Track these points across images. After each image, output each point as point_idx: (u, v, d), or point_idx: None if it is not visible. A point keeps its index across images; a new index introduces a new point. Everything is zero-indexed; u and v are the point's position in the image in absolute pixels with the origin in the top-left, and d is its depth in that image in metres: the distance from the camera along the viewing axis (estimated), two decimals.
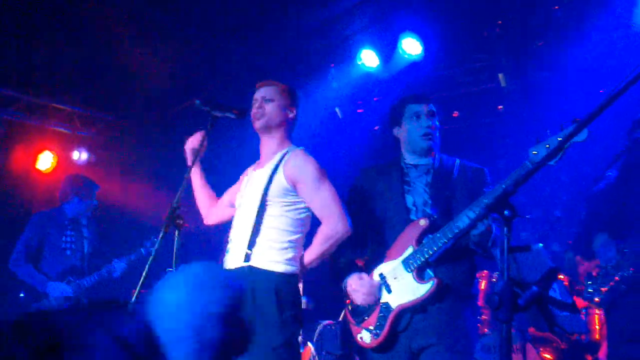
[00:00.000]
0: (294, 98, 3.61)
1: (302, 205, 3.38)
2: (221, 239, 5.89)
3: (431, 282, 3.16)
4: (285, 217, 3.33)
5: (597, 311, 4.92)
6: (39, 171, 7.51)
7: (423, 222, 3.25)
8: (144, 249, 5.88)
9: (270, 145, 3.52)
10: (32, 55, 6.62)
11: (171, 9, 6.19)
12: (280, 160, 3.41)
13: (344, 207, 3.37)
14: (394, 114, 3.60)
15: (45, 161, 7.52)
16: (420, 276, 3.19)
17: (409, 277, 3.21)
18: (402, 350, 3.23)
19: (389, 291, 3.26)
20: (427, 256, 3.16)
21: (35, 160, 7.48)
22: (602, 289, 3.73)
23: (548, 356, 5.03)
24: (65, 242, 5.79)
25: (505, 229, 2.05)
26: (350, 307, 3.41)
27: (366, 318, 3.30)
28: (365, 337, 3.29)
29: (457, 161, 3.54)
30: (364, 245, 3.49)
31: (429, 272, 3.20)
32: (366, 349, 3.32)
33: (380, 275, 3.31)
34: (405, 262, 3.23)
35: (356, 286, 3.31)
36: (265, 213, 3.33)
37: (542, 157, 2.74)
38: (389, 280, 3.27)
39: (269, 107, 3.49)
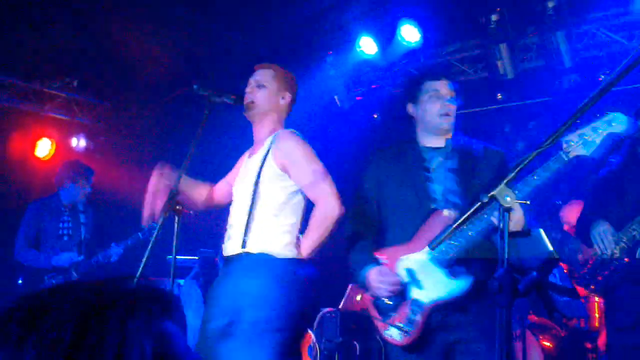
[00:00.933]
0: (288, 83, 3.55)
1: (295, 189, 3.33)
2: (219, 225, 5.90)
3: (466, 278, 2.95)
4: (279, 203, 3.28)
5: (596, 299, 4.92)
6: (37, 158, 7.49)
7: (447, 213, 3.03)
8: (141, 233, 5.83)
9: (261, 131, 3.50)
10: (29, 41, 6.58)
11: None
12: (270, 145, 3.39)
13: (336, 187, 3.26)
14: (411, 89, 3.34)
15: (44, 148, 7.51)
16: (452, 271, 2.96)
17: (440, 273, 2.99)
18: (436, 346, 3.03)
19: (420, 287, 3.03)
20: (456, 250, 2.92)
21: (33, 147, 7.46)
22: (598, 277, 3.74)
23: (547, 344, 5.04)
24: (62, 229, 5.81)
25: (505, 215, 2.07)
26: (373, 302, 3.17)
27: (393, 314, 3.08)
28: (394, 334, 3.07)
29: (479, 143, 3.33)
30: (381, 234, 3.27)
31: (461, 266, 2.96)
32: (395, 345, 3.11)
33: (408, 270, 3.08)
34: (434, 256, 2.99)
35: (378, 280, 3.08)
36: (259, 200, 3.29)
37: (582, 147, 2.57)
38: (419, 276, 3.04)
39: (259, 94, 3.47)
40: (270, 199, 3.29)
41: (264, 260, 3.21)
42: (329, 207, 3.19)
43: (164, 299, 0.96)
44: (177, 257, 3.27)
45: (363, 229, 3.29)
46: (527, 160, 2.09)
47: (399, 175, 3.23)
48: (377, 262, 3.17)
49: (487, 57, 6.73)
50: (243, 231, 3.27)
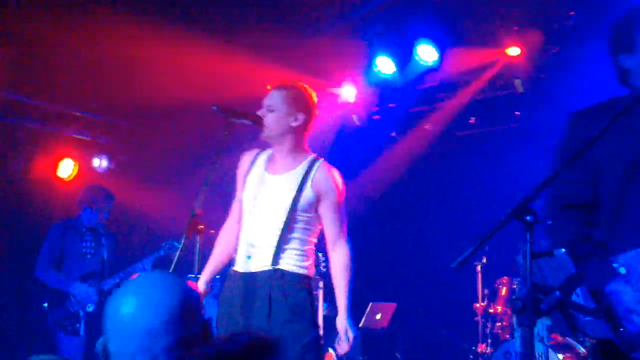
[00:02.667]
0: (301, 102, 3.55)
1: (317, 215, 3.52)
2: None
3: None
4: (307, 227, 3.47)
5: None
6: (59, 179, 7.58)
7: None
8: (162, 250, 5.97)
9: (282, 151, 3.54)
10: (51, 63, 6.70)
11: (190, 18, 6.25)
12: (308, 172, 3.44)
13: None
14: (623, 36, 2.58)
15: (66, 168, 7.60)
16: None
17: None
18: None
19: None
20: None
21: (56, 167, 7.55)
22: None
23: None
24: (85, 247, 5.94)
25: (527, 234, 2.08)
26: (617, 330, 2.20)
27: None
28: None
29: None
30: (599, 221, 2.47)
31: None
32: None
33: None
34: None
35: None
36: (293, 223, 3.41)
37: None
38: None
39: (269, 118, 3.50)
40: (301, 224, 3.42)
41: (296, 276, 3.39)
42: (348, 253, 3.58)
43: None
44: (199, 275, 3.33)
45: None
46: (550, 181, 2.11)
47: (619, 140, 2.40)
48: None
49: (505, 75, 6.74)
50: (274, 249, 3.35)
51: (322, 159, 3.53)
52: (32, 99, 7.31)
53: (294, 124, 3.51)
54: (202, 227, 3.24)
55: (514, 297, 1.98)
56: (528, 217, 2.07)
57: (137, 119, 8.15)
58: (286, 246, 3.39)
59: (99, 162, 8.04)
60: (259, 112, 3.52)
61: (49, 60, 6.65)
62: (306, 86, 3.65)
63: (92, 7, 5.99)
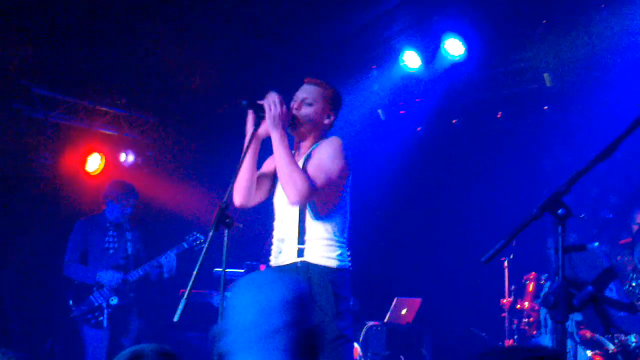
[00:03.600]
0: (334, 102, 3.57)
1: (337, 196, 3.42)
2: (264, 237, 5.94)
3: None
4: (327, 213, 3.38)
5: None
6: (87, 173, 7.66)
7: None
8: (186, 242, 6.01)
9: (303, 146, 3.55)
10: (79, 59, 6.77)
11: (215, 11, 6.27)
12: (311, 152, 3.46)
13: (326, 184, 3.32)
14: None
15: (94, 163, 7.67)
16: None
17: None
18: None
19: None
20: None
21: (84, 162, 7.63)
22: None
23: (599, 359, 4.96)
24: (108, 243, 5.99)
25: (559, 228, 2.04)
26: None
27: None
28: None
29: None
30: None
31: None
32: None
33: None
34: None
35: None
36: (306, 208, 3.38)
37: None
38: None
39: (306, 111, 3.48)
40: (320, 206, 3.37)
41: (321, 269, 3.32)
42: (299, 188, 3.24)
43: None
44: (227, 270, 3.32)
45: None
46: (582, 174, 2.07)
47: None
48: None
49: (532, 69, 6.67)
50: (297, 240, 3.35)
51: (335, 137, 3.51)
52: (60, 95, 7.39)
53: (326, 121, 3.53)
54: (230, 220, 3.23)
55: (546, 292, 1.95)
56: (560, 211, 2.04)
57: (164, 114, 8.20)
58: (309, 236, 3.35)
59: (126, 157, 8.10)
60: (294, 104, 3.51)
61: (77, 56, 6.72)
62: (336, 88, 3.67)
63: (120, 3, 6.04)
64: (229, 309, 1.97)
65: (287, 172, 3.28)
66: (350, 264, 3.44)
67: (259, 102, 3.39)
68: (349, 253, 3.46)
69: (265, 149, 3.56)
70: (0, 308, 6.97)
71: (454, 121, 7.52)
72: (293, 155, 3.37)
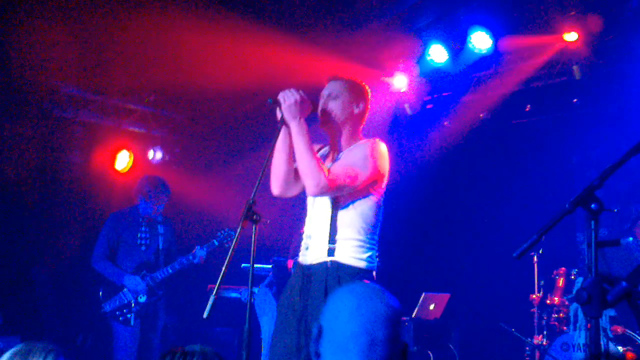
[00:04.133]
0: (360, 92, 3.58)
1: (370, 199, 3.40)
2: (291, 233, 5.95)
3: None
4: (360, 213, 3.37)
5: None
6: (116, 171, 7.74)
7: None
8: (217, 240, 6.01)
9: (336, 141, 3.54)
10: (105, 58, 6.84)
11: (242, 8, 6.28)
12: (346, 151, 3.46)
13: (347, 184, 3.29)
14: None
15: (123, 161, 7.75)
16: None
17: None
18: None
19: None
20: None
21: (113, 160, 7.71)
22: None
23: (632, 356, 4.90)
24: (140, 239, 6.01)
25: (592, 222, 2.02)
26: None
27: None
28: None
29: None
30: None
31: None
32: None
33: None
34: None
35: None
36: (342, 210, 3.37)
37: None
38: None
39: (333, 104, 3.49)
40: (349, 207, 3.37)
41: (351, 269, 3.31)
42: (307, 184, 3.26)
43: None
44: (256, 265, 3.34)
45: None
46: (616, 168, 2.04)
47: None
48: None
49: (562, 61, 6.58)
50: (327, 239, 3.35)
51: (374, 139, 3.50)
52: (89, 94, 7.47)
53: (356, 110, 3.52)
54: (258, 217, 3.24)
55: (579, 287, 1.93)
56: (593, 205, 2.02)
57: (191, 112, 8.26)
58: (340, 236, 3.35)
59: (154, 154, 8.18)
60: (320, 101, 3.52)
61: (105, 55, 6.78)
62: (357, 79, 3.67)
63: (148, 1, 6.08)
64: (321, 315, 2.02)
65: (305, 162, 3.28)
66: (377, 266, 3.45)
67: (277, 97, 3.40)
68: (377, 255, 3.47)
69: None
70: (34, 303, 7.08)
71: (481, 115, 7.45)
72: (312, 146, 3.35)
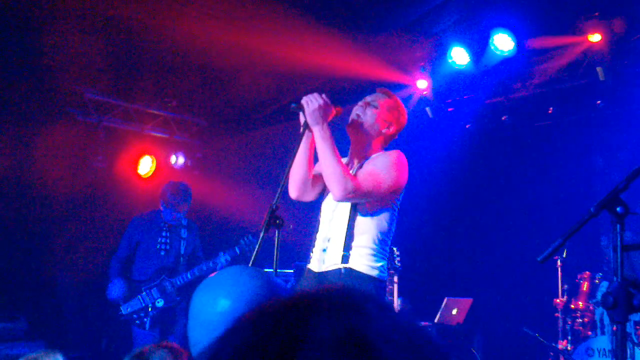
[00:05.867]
0: (399, 115, 3.60)
1: (388, 208, 3.42)
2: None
3: None
4: (376, 222, 3.38)
5: None
6: (139, 176, 7.80)
7: None
8: (239, 247, 5.92)
9: (359, 152, 3.54)
10: (129, 63, 6.90)
11: (264, 11, 6.30)
12: (365, 161, 3.46)
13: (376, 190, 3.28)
14: None
15: (145, 166, 7.81)
16: None
17: None
18: None
19: None
20: None
21: (136, 165, 7.77)
22: None
23: None
24: (160, 244, 6.02)
25: (617, 226, 2.00)
26: None
27: None
28: None
29: None
30: None
31: None
32: None
33: None
34: None
35: None
36: (359, 217, 3.37)
37: None
38: None
39: (369, 111, 3.50)
40: (366, 217, 3.38)
41: (364, 277, 3.33)
42: (343, 188, 3.22)
43: None
44: (278, 270, 3.33)
45: None
46: None
47: None
48: None
49: (585, 63, 6.51)
50: (342, 247, 3.35)
51: (397, 151, 3.50)
52: (112, 99, 7.55)
53: (386, 130, 3.55)
54: (280, 222, 3.24)
55: (605, 292, 1.91)
56: (619, 209, 2.00)
57: (213, 117, 8.30)
58: (355, 243, 3.36)
59: (176, 159, 8.23)
60: (359, 103, 3.55)
61: (128, 61, 6.85)
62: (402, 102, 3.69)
63: (170, 8, 6.12)
64: None
65: (332, 167, 3.27)
66: (399, 265, 3.47)
67: (301, 102, 3.40)
68: (388, 266, 3.48)
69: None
70: (59, 308, 7.15)
71: (503, 118, 7.40)
72: (337, 151, 3.34)
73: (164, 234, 6.05)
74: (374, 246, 3.38)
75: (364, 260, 3.34)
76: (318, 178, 3.57)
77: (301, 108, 3.40)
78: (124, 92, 7.50)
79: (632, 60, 6.26)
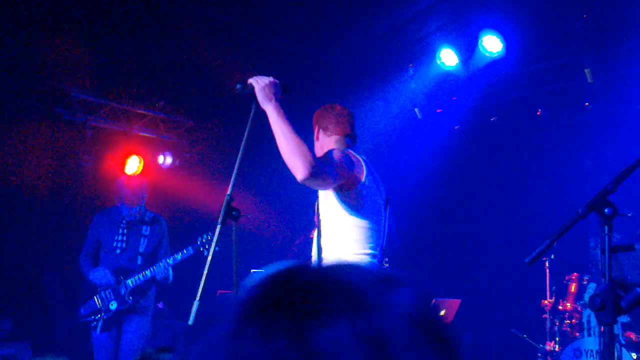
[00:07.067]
0: (316, 121, 3.71)
1: (346, 203, 3.38)
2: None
3: None
4: (339, 226, 3.40)
5: None
6: (126, 175, 7.74)
7: None
8: (192, 247, 5.51)
9: None
10: (118, 64, 6.86)
11: (251, 13, 6.29)
12: None
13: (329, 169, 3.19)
14: None
15: (133, 165, 7.75)
16: None
17: None
18: None
19: None
20: None
21: (123, 164, 7.72)
22: None
23: None
24: (117, 241, 5.62)
25: (606, 227, 1.99)
26: None
27: None
28: None
29: None
30: None
31: None
32: None
33: None
34: None
35: None
36: (324, 223, 3.43)
37: None
38: None
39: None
40: (330, 218, 3.41)
41: None
42: (297, 164, 3.06)
43: None
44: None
45: None
46: (629, 172, 2.01)
47: None
48: None
49: (573, 65, 6.54)
50: (318, 252, 3.36)
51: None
52: (99, 99, 7.50)
53: (317, 142, 3.69)
54: (237, 213, 3.02)
55: (592, 294, 1.90)
56: (607, 210, 1.99)
57: (200, 117, 8.26)
58: (328, 247, 3.36)
59: (164, 159, 8.18)
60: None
61: (115, 61, 6.81)
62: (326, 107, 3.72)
63: (157, 7, 6.09)
64: None
65: (292, 141, 3.07)
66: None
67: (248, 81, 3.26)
68: (378, 262, 3.42)
69: None
70: (45, 309, 7.09)
71: (492, 119, 7.41)
72: (292, 126, 3.17)
73: (121, 231, 5.63)
74: (348, 248, 3.35)
75: (352, 258, 3.33)
76: None
77: (247, 88, 3.26)
78: (111, 92, 7.45)
79: (620, 62, 6.30)
